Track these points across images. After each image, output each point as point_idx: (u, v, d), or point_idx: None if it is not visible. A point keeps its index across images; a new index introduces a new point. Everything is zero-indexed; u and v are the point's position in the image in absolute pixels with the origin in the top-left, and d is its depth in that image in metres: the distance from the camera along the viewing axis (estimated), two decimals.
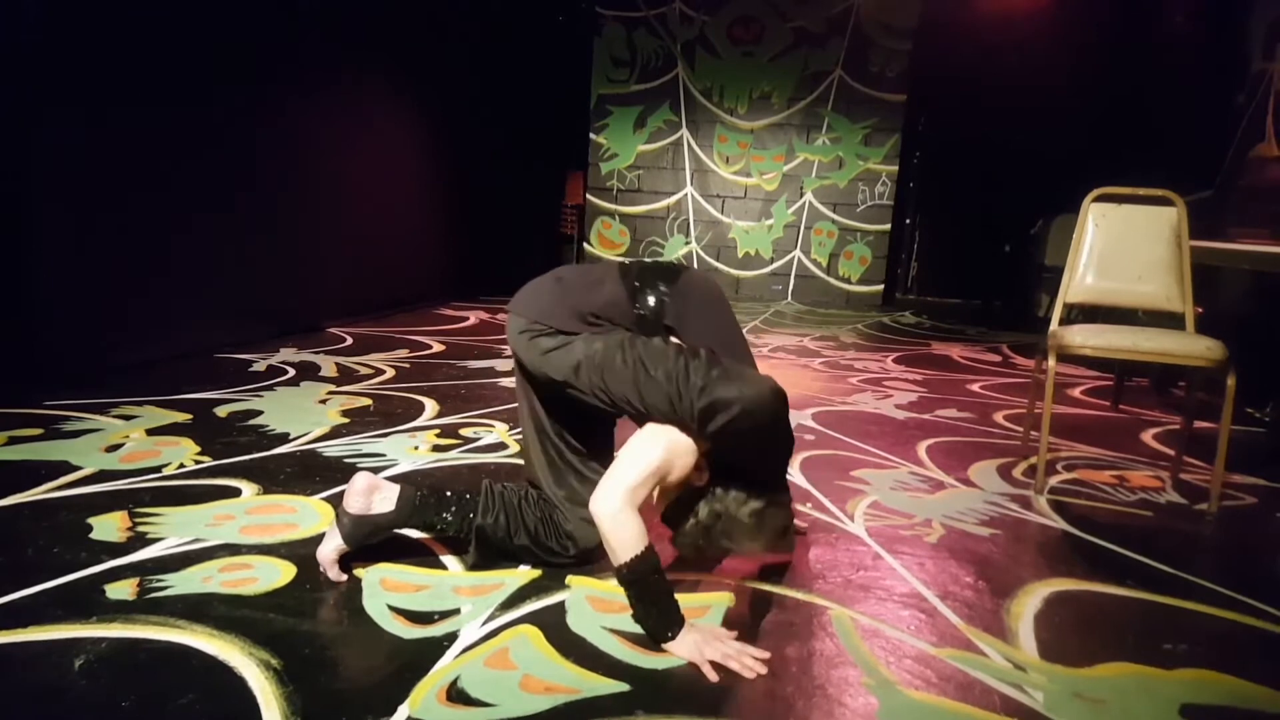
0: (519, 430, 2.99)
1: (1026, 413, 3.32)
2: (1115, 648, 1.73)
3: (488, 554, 1.92)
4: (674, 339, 1.86)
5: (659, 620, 1.62)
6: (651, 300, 1.87)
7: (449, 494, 1.90)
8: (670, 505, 1.85)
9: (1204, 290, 3.11)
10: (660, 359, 1.75)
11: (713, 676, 1.53)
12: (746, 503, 1.79)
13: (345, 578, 1.82)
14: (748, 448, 1.79)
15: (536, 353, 1.84)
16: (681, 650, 1.60)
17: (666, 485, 1.77)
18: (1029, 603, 1.93)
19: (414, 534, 2.03)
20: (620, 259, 1.94)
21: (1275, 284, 3.76)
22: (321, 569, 1.84)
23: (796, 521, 2.28)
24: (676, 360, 1.74)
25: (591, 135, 9.15)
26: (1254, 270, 3.68)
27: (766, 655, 1.61)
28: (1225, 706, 1.54)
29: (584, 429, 1.98)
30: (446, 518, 1.88)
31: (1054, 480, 2.92)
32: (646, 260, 2.00)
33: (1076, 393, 4.64)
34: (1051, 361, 2.72)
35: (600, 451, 2.00)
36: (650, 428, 1.77)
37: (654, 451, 1.71)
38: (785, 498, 1.94)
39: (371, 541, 1.86)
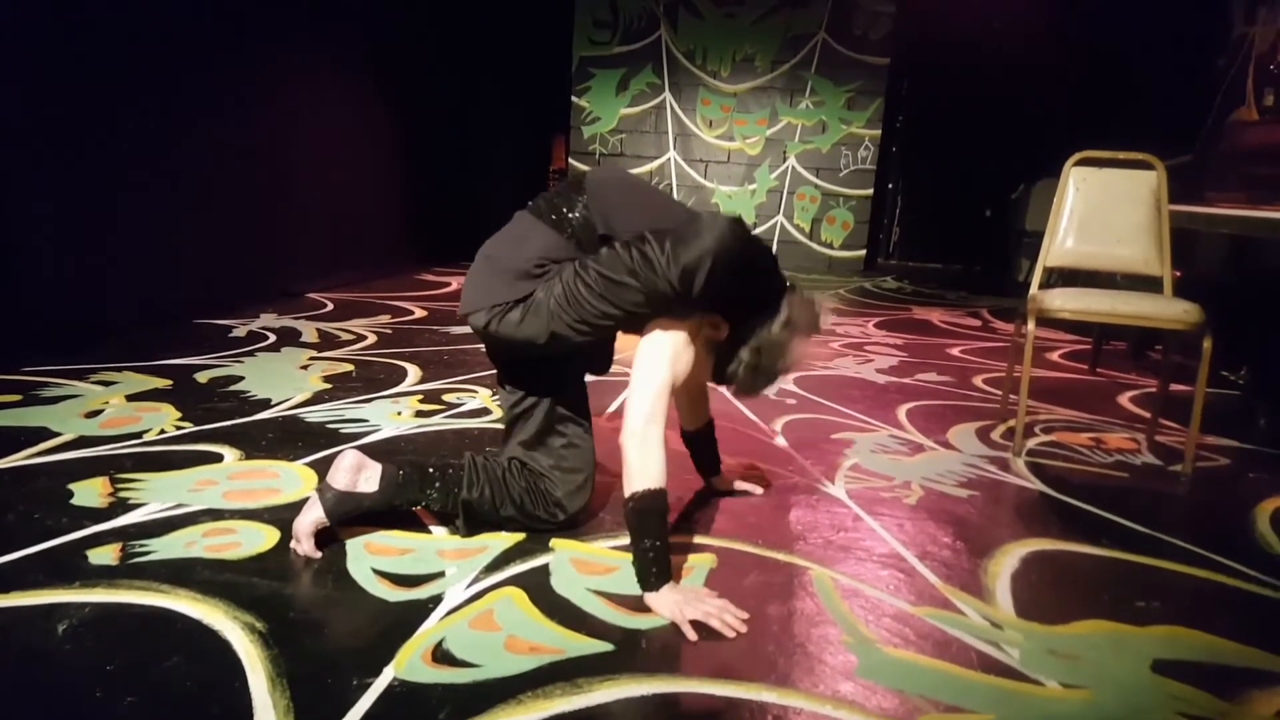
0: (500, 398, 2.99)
1: (1005, 376, 3.35)
2: (1090, 606, 1.77)
3: (475, 525, 1.93)
4: (615, 243, 1.80)
5: (649, 564, 1.65)
6: (575, 219, 1.84)
7: (431, 470, 1.89)
8: (715, 368, 1.89)
9: (1182, 254, 3.14)
10: (617, 263, 1.73)
11: (692, 636, 1.55)
12: (773, 322, 1.83)
13: (319, 555, 1.78)
14: (739, 284, 1.78)
15: (510, 329, 1.81)
16: (662, 608, 1.62)
17: (698, 360, 1.81)
18: (1006, 562, 1.96)
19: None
20: (528, 203, 1.89)
21: (1252, 248, 3.79)
22: (294, 541, 1.79)
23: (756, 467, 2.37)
24: (631, 256, 1.72)
25: (573, 98, 9.05)
26: (1231, 234, 3.71)
27: (746, 615, 1.63)
28: (1196, 661, 1.58)
29: (565, 398, 1.98)
30: (431, 494, 1.88)
31: (1032, 443, 2.96)
32: (548, 191, 1.97)
33: (1055, 356, 4.68)
34: (1030, 325, 2.74)
35: (583, 416, 2.01)
36: (642, 347, 1.78)
37: (653, 365, 1.74)
38: (795, 293, 1.92)
39: (351, 518, 1.84)
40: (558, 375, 1.95)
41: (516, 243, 1.86)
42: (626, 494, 1.67)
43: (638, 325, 1.80)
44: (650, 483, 1.65)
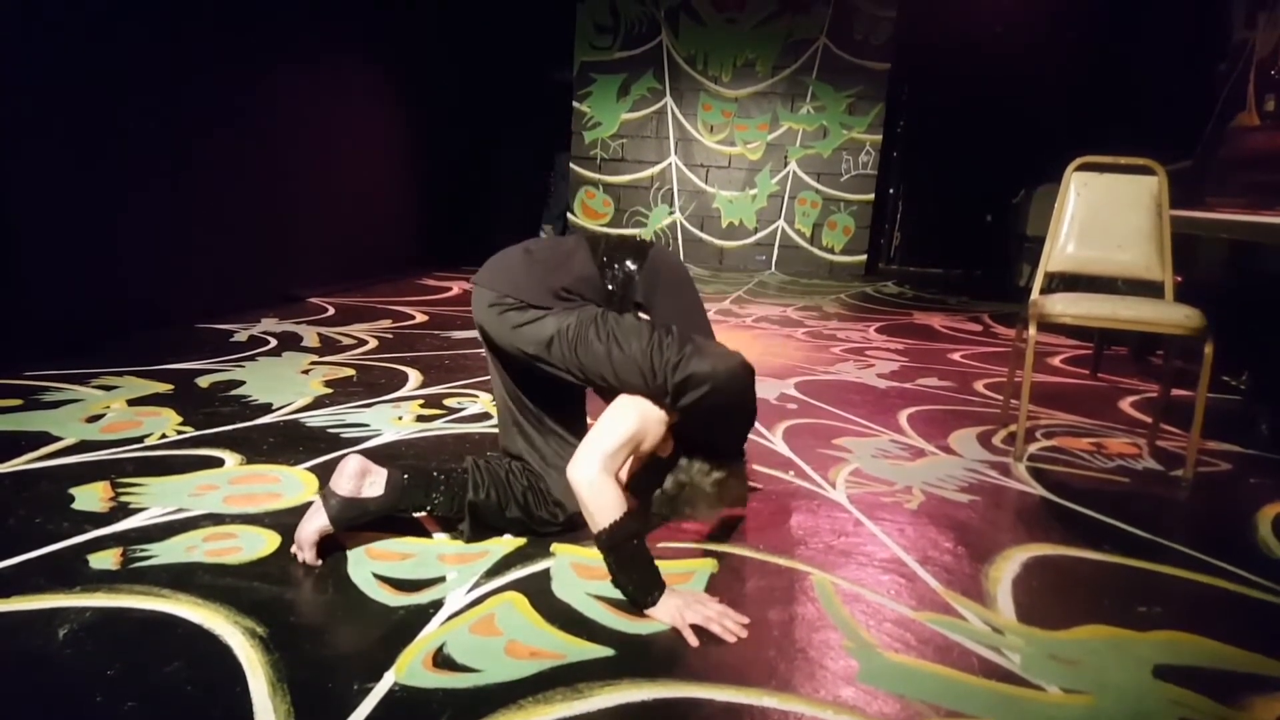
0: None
1: (1006, 381, 3.35)
2: (1091, 611, 1.77)
3: (480, 529, 1.93)
4: (643, 315, 1.86)
5: (639, 586, 1.64)
6: (621, 276, 1.88)
7: (436, 474, 1.89)
8: (636, 476, 1.87)
9: (1183, 259, 3.13)
10: (634, 335, 1.75)
11: (693, 641, 1.55)
12: (710, 474, 1.84)
13: (320, 563, 1.77)
14: (716, 421, 1.82)
15: (506, 326, 1.82)
16: (663, 615, 1.62)
17: (638, 454, 1.79)
18: (1007, 567, 1.96)
19: None
20: (589, 231, 1.94)
21: (1253, 253, 3.79)
22: (296, 549, 1.78)
23: (750, 483, 2.37)
24: (650, 336, 1.74)
25: (575, 103, 9.06)
26: (1232, 239, 3.71)
27: (747, 620, 1.63)
28: (1197, 666, 1.58)
29: (557, 397, 1.99)
30: (436, 498, 1.87)
31: (1033, 447, 2.95)
32: (613, 234, 1.99)
33: (1056, 361, 4.68)
34: (1032, 330, 2.74)
35: (575, 418, 2.02)
36: (624, 398, 1.78)
37: (629, 420, 1.73)
38: (741, 465, 1.98)
39: (356, 525, 1.84)
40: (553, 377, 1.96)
41: (560, 259, 1.89)
42: (594, 533, 1.66)
43: (612, 395, 1.82)
44: (612, 516, 1.64)
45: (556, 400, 1.99)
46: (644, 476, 1.87)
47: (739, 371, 1.73)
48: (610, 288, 1.88)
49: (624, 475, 1.78)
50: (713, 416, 1.78)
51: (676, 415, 1.77)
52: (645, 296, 1.89)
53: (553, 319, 1.80)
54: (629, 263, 1.90)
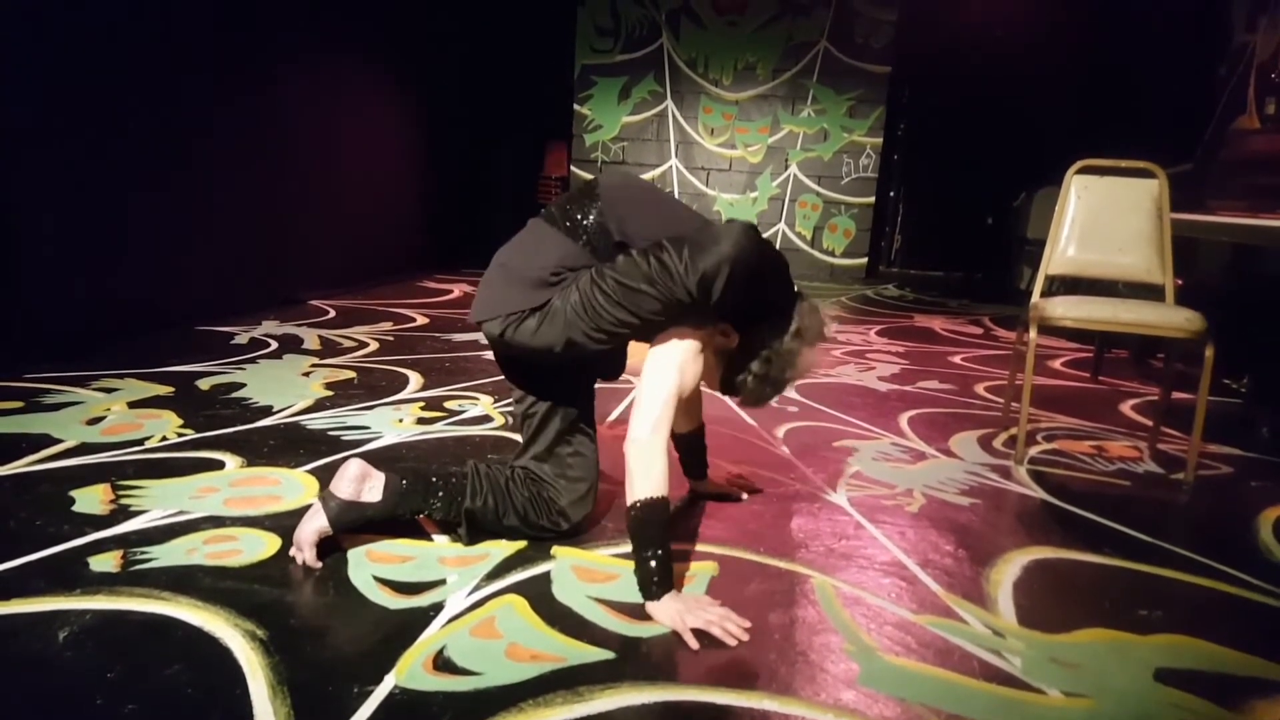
0: (505, 403, 2.99)
1: (1007, 384, 3.35)
2: (1092, 614, 1.76)
3: (478, 534, 1.93)
4: (632, 250, 1.80)
5: (651, 571, 1.64)
6: (591, 225, 1.84)
7: (435, 480, 1.89)
8: (723, 378, 1.89)
9: (1184, 262, 3.13)
10: (633, 271, 1.73)
11: (694, 644, 1.55)
12: (783, 333, 1.84)
13: (320, 565, 1.77)
14: (755, 291, 1.79)
15: (526, 337, 1.82)
16: (664, 617, 1.61)
17: (707, 368, 1.82)
18: (1008, 570, 1.96)
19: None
20: (540, 211, 1.92)
21: (1253, 256, 3.79)
22: (295, 550, 1.78)
23: (753, 486, 2.39)
24: (648, 264, 1.72)
25: (575, 106, 9.07)
26: (1233, 242, 3.71)
27: (748, 624, 1.62)
28: (1198, 670, 1.57)
29: (571, 408, 1.97)
30: (434, 504, 1.87)
31: (1034, 450, 2.95)
32: (560, 197, 1.97)
33: (1057, 364, 4.68)
34: (1032, 333, 2.74)
35: (589, 426, 2.01)
36: (653, 355, 1.78)
37: (666, 378, 1.74)
38: (805, 303, 1.93)
39: (354, 528, 1.84)
40: (569, 384, 1.96)
41: (531, 251, 1.86)
42: (629, 502, 1.67)
43: (652, 333, 1.81)
44: (653, 491, 1.66)
45: (576, 415, 1.98)
46: (731, 374, 1.88)
47: (744, 240, 1.69)
48: (589, 244, 1.84)
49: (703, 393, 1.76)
50: (748, 290, 1.74)
51: (717, 310, 1.76)
52: (620, 230, 1.84)
53: (558, 302, 1.79)
54: (588, 207, 1.86)
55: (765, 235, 1.79)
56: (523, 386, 1.98)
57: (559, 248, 1.83)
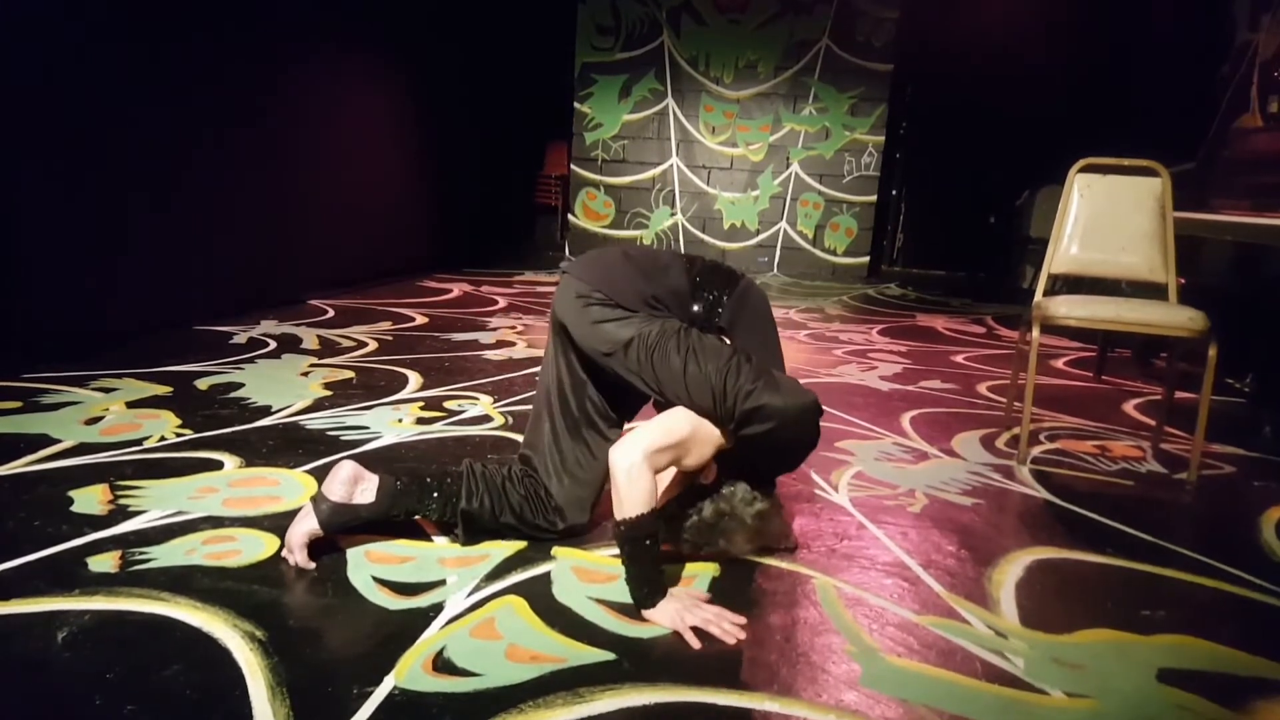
0: (506, 403, 2.98)
1: (1010, 384, 3.34)
2: (1095, 614, 1.76)
3: (475, 534, 1.92)
4: (725, 339, 1.87)
5: (643, 584, 1.64)
6: (710, 299, 1.90)
7: (430, 480, 1.88)
8: (671, 501, 1.86)
9: (1187, 261, 3.13)
10: (713, 355, 1.75)
11: (695, 644, 1.55)
12: (753, 504, 1.83)
13: (313, 566, 1.76)
14: (773, 454, 1.82)
15: (587, 320, 1.84)
16: (662, 619, 1.61)
17: (680, 468, 1.79)
18: (1011, 571, 1.95)
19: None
20: (686, 253, 1.99)
21: (1257, 255, 3.78)
22: (287, 551, 1.77)
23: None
24: (729, 360, 1.74)
25: (575, 104, 9.06)
26: (1236, 241, 3.70)
27: (743, 620, 1.63)
28: (1201, 670, 1.57)
29: (606, 406, 1.97)
30: (429, 504, 1.87)
31: (1036, 450, 2.94)
32: (708, 258, 1.99)
33: (1059, 364, 4.67)
34: (1035, 332, 2.73)
35: (613, 432, 1.99)
36: (682, 409, 1.78)
37: (683, 425, 1.74)
38: (779, 505, 1.95)
39: (347, 530, 1.83)
40: (616, 381, 1.94)
41: (658, 269, 1.91)
42: (617, 518, 1.66)
43: (666, 408, 1.82)
44: (640, 508, 1.64)
45: (601, 413, 1.97)
46: (681, 504, 1.86)
47: (809, 411, 1.73)
48: (697, 308, 1.90)
49: (663, 481, 1.78)
50: (771, 450, 1.79)
51: (734, 441, 1.77)
52: (729, 323, 1.91)
53: (636, 322, 1.81)
54: (720, 286, 1.92)
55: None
56: (566, 373, 1.96)
57: (677, 287, 1.89)
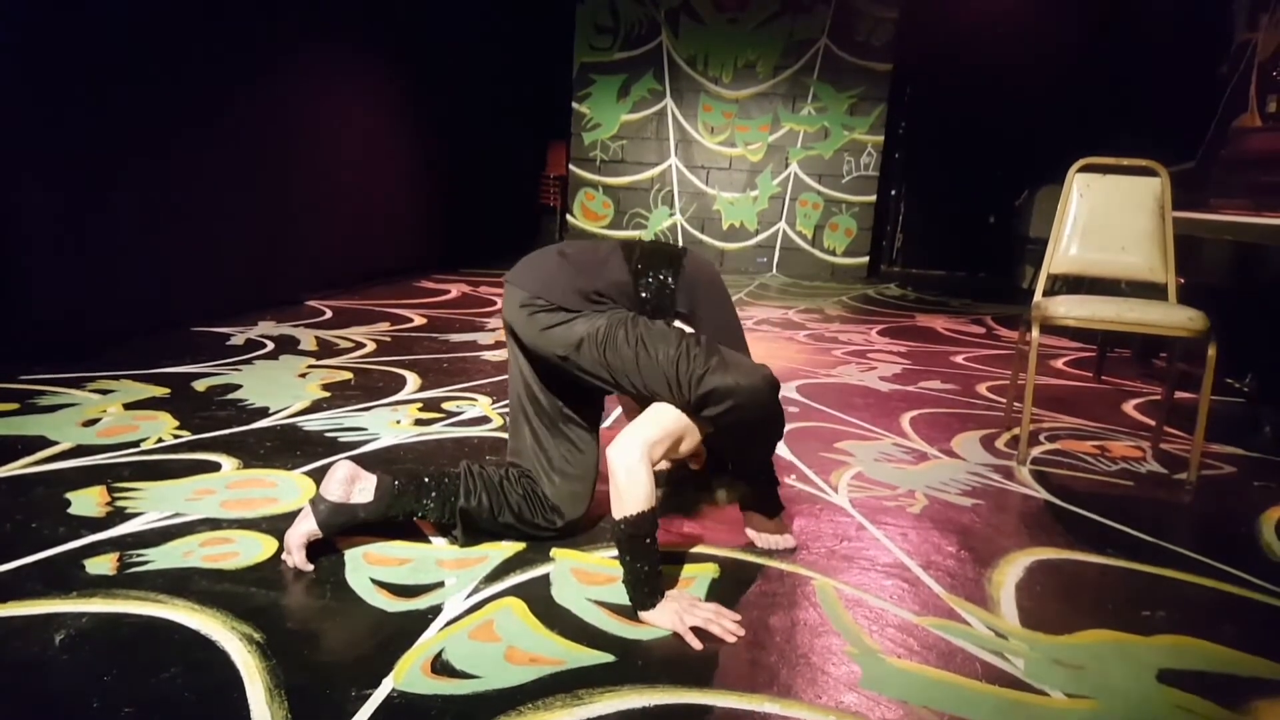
0: (504, 404, 2.98)
1: (1009, 384, 3.34)
2: (1095, 615, 1.75)
3: (473, 534, 1.91)
4: (679, 324, 1.85)
5: (642, 584, 1.63)
6: (655, 284, 1.88)
7: (427, 480, 1.88)
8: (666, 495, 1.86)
9: (1186, 261, 3.12)
10: (662, 341, 1.74)
11: (696, 645, 1.54)
12: (734, 489, 1.85)
13: (311, 567, 1.76)
14: (743, 435, 1.81)
15: (535, 328, 1.83)
16: (662, 620, 1.61)
17: (676, 455, 1.79)
18: (1010, 572, 1.95)
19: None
20: (624, 239, 1.96)
21: (1256, 255, 3.78)
22: (285, 553, 1.77)
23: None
24: (678, 345, 1.73)
25: (574, 105, 9.06)
26: (1235, 241, 3.70)
27: (739, 617, 1.63)
28: (1201, 671, 1.56)
29: (575, 401, 1.97)
30: (427, 504, 1.86)
31: (1036, 451, 2.94)
32: (646, 241, 1.98)
33: (1059, 364, 4.67)
34: (1035, 333, 2.73)
35: (590, 425, 2.00)
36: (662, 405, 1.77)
37: (673, 414, 1.73)
38: (767, 481, 1.97)
39: (345, 531, 1.82)
40: (580, 380, 1.94)
41: (596, 263, 1.89)
42: (616, 517, 1.66)
43: (643, 403, 1.82)
44: (641, 505, 1.63)
45: (574, 405, 1.97)
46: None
47: (762, 386, 1.71)
48: (644, 295, 1.87)
49: (662, 465, 1.77)
50: (735, 432, 1.77)
51: (709, 425, 1.76)
52: (688, 307, 1.89)
53: (582, 322, 1.80)
54: (663, 271, 1.89)
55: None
56: (533, 376, 1.97)
57: (620, 278, 1.87)
